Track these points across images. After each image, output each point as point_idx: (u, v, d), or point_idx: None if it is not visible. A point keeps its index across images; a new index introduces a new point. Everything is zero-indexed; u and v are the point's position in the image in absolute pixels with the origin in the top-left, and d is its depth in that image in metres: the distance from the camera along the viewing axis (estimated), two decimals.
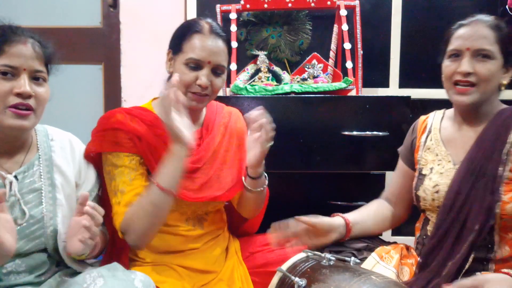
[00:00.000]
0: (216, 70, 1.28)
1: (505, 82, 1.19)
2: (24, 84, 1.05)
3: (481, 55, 1.15)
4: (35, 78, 1.09)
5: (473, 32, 1.17)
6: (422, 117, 1.37)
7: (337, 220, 1.29)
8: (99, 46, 2.26)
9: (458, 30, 1.20)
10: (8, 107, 1.05)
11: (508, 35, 1.17)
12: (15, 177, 1.12)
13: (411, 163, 1.35)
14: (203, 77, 1.25)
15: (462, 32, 1.19)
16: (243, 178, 1.35)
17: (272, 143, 1.28)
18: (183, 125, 1.17)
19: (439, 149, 1.26)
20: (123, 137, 1.24)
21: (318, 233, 1.26)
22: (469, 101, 1.17)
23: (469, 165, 1.16)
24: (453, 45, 1.20)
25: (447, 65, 1.21)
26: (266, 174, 1.36)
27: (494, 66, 1.15)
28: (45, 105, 1.12)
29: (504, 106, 1.23)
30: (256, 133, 1.29)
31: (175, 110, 1.16)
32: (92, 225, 1.04)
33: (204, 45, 1.25)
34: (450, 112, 1.32)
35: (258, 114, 1.27)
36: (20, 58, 1.06)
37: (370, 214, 1.36)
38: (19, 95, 1.05)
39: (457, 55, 1.19)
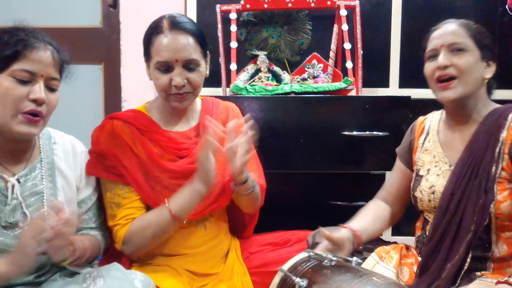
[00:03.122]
0: (188, 66, 1.25)
1: (487, 76, 1.21)
2: (40, 90, 1.06)
3: (456, 49, 1.19)
4: (49, 85, 1.10)
5: (444, 30, 1.22)
6: (421, 118, 1.38)
7: (344, 232, 1.24)
8: (99, 46, 2.26)
9: (432, 34, 1.25)
10: (21, 113, 1.05)
11: (479, 30, 1.21)
12: (18, 180, 1.12)
13: (409, 163, 1.36)
14: (176, 77, 1.23)
15: (435, 34, 1.24)
16: (232, 184, 1.33)
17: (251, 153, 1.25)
18: (213, 165, 1.20)
19: (437, 151, 1.27)
20: (113, 167, 1.26)
21: (336, 246, 1.21)
22: (454, 95, 1.18)
23: (463, 166, 1.17)
24: (429, 47, 1.24)
25: (427, 66, 1.25)
26: (250, 176, 1.32)
27: (471, 58, 1.18)
28: (53, 112, 1.13)
29: (497, 105, 1.23)
30: (234, 143, 1.23)
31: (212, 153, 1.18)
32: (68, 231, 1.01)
33: (166, 45, 1.22)
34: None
35: (246, 128, 1.23)
36: (39, 64, 1.07)
37: (373, 218, 1.34)
38: (34, 101, 1.06)
39: (434, 55, 1.23)
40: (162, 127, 1.33)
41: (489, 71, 1.22)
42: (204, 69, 1.30)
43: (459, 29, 1.20)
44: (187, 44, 1.23)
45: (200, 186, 1.20)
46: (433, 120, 1.34)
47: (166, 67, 1.24)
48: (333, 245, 1.20)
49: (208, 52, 1.33)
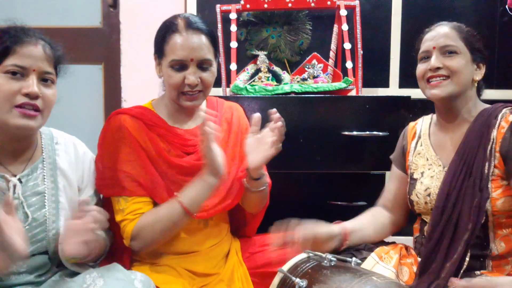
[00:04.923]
0: (202, 65, 1.26)
1: (477, 78, 1.24)
2: (32, 84, 1.06)
3: (448, 51, 1.22)
4: (43, 79, 1.10)
5: (437, 32, 1.24)
6: (411, 124, 1.41)
7: (335, 229, 1.28)
8: (99, 46, 2.26)
9: (425, 35, 1.28)
10: (15, 106, 1.05)
11: (470, 33, 1.24)
12: (19, 180, 1.12)
13: (404, 168, 1.37)
14: (190, 76, 1.24)
15: (428, 36, 1.26)
16: (244, 180, 1.34)
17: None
18: (219, 155, 1.20)
19: (429, 154, 1.29)
20: (118, 177, 1.24)
21: (318, 243, 1.24)
22: (444, 93, 1.21)
23: (457, 166, 1.18)
24: (422, 48, 1.27)
25: (419, 67, 1.27)
26: (265, 173, 1.36)
27: (463, 60, 1.21)
28: (51, 107, 1.13)
29: (486, 105, 1.25)
30: (258, 135, 1.29)
31: (213, 141, 1.19)
32: (96, 228, 1.04)
33: (183, 43, 1.23)
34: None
35: (277, 117, 1.27)
36: (30, 58, 1.07)
37: (370, 222, 1.36)
38: (27, 95, 1.06)
39: (427, 57, 1.25)
40: (169, 124, 1.33)
41: (479, 73, 1.25)
42: (216, 69, 1.31)
43: (451, 32, 1.23)
44: (203, 44, 1.25)
45: (210, 178, 1.21)
46: (423, 124, 1.36)
47: (181, 66, 1.25)
48: (316, 241, 1.22)
49: (218, 53, 1.34)
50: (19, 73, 1.06)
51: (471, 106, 1.24)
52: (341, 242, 1.28)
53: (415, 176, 1.30)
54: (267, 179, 1.37)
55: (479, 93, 1.28)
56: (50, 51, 1.11)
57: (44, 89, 1.09)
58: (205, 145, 1.18)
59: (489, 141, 1.16)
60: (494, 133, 1.16)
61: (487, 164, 1.15)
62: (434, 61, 1.21)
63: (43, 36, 1.12)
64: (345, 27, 1.91)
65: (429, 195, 1.24)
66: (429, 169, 1.27)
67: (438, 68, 1.21)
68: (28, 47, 1.07)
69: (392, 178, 1.42)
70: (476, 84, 1.25)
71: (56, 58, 1.13)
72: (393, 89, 2.13)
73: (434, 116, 1.35)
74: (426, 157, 1.29)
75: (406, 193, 1.34)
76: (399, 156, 1.40)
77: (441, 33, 1.23)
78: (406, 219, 1.40)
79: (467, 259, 1.12)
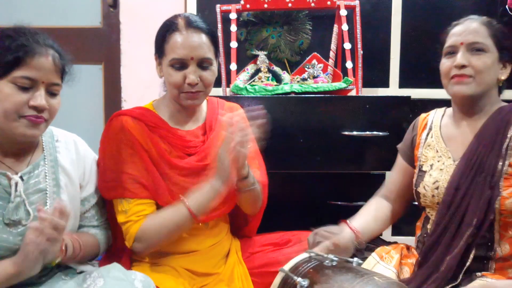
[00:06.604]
0: (202, 64, 1.26)
1: (503, 77, 1.21)
2: (40, 97, 1.06)
3: (475, 48, 1.17)
4: (50, 90, 1.09)
5: (466, 27, 1.20)
6: (423, 115, 1.38)
7: (347, 235, 1.25)
8: (99, 46, 2.26)
9: (453, 29, 1.23)
10: (22, 116, 1.05)
11: (501, 30, 1.20)
12: (21, 177, 1.12)
13: (411, 160, 1.36)
14: (190, 74, 1.24)
15: (456, 30, 1.22)
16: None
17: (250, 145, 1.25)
18: (228, 160, 1.19)
19: (440, 146, 1.27)
20: (121, 179, 1.24)
21: (340, 250, 1.21)
22: (468, 91, 1.17)
23: (468, 160, 1.17)
24: (448, 43, 1.23)
25: (444, 62, 1.23)
26: (255, 171, 1.35)
27: (490, 59, 1.17)
28: (55, 115, 1.13)
29: (504, 103, 1.23)
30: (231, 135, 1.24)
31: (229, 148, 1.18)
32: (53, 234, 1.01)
33: (183, 42, 1.23)
34: (450, 110, 1.32)
35: (263, 114, 1.25)
36: (40, 71, 1.06)
37: (373, 217, 1.35)
38: (34, 108, 1.05)
39: (452, 52, 1.21)
40: (170, 125, 1.33)
41: (505, 73, 1.21)
42: (216, 68, 1.31)
43: (481, 28, 1.18)
44: (203, 43, 1.25)
45: (217, 183, 1.21)
46: (435, 116, 1.34)
47: (181, 65, 1.25)
48: (336, 247, 1.19)
49: (219, 52, 1.34)
50: (27, 85, 1.05)
51: (491, 105, 1.21)
52: (355, 245, 1.26)
53: (424, 168, 1.27)
54: (257, 177, 1.34)
55: (499, 92, 1.24)
56: (59, 62, 1.10)
57: (50, 100, 1.09)
58: (222, 150, 1.17)
59: (505, 138, 1.14)
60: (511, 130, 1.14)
61: (501, 161, 1.12)
62: (460, 58, 1.17)
63: (52, 43, 1.11)
64: (345, 27, 1.91)
65: (437, 188, 1.22)
66: (438, 161, 1.25)
67: (464, 66, 1.17)
68: (40, 59, 1.06)
69: (397, 168, 1.40)
70: (500, 84, 1.22)
71: (63, 68, 1.13)
72: (393, 89, 2.13)
73: (448, 109, 1.33)
74: (436, 149, 1.27)
75: (409, 184, 1.33)
76: (406, 147, 1.38)
77: (470, 28, 1.18)
78: (405, 210, 1.40)
79: (471, 256, 1.11)
